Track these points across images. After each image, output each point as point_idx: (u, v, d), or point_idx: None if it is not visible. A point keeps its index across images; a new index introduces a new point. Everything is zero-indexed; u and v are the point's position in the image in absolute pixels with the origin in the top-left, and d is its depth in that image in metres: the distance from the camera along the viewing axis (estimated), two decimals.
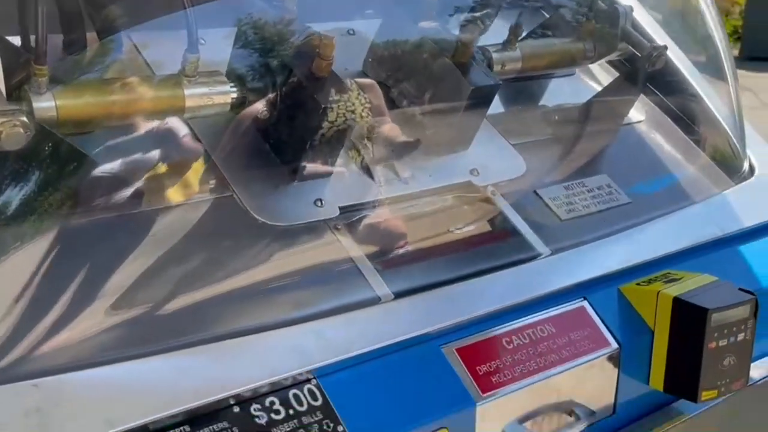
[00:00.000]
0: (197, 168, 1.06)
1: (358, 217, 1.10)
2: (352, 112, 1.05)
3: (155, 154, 1.03)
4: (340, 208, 1.08)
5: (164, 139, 1.03)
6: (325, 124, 1.02)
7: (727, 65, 1.45)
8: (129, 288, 0.87)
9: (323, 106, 1.03)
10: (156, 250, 0.93)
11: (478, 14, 1.28)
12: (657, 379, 1.12)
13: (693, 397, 1.08)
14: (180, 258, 0.94)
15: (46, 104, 0.91)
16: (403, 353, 0.95)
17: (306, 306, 0.95)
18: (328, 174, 1.10)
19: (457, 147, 1.25)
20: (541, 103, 1.50)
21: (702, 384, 1.07)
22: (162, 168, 1.01)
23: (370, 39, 1.28)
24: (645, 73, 1.43)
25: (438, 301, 1.02)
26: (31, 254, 0.84)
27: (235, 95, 1.04)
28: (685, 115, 1.47)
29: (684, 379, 1.09)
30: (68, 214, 0.89)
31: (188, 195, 1.03)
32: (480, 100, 1.23)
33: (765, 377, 1.20)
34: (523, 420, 1.02)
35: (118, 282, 0.86)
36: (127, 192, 0.97)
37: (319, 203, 1.08)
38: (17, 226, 0.85)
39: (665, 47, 1.41)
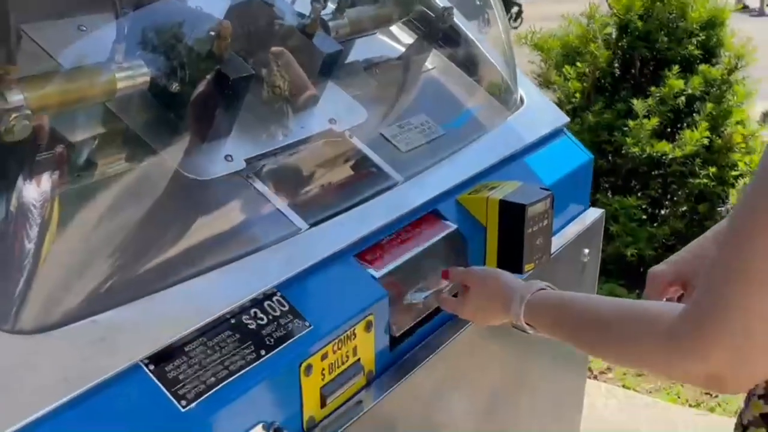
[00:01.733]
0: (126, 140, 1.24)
1: (261, 166, 1.35)
2: (278, 87, 1.30)
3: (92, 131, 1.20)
4: (246, 161, 1.33)
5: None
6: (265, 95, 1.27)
7: (499, 17, 1.85)
8: (128, 241, 1.07)
9: (231, 78, 1.26)
10: (129, 207, 1.13)
11: None
12: (491, 261, 1.51)
13: (519, 270, 1.48)
14: (147, 213, 1.14)
15: (17, 97, 1.05)
16: (330, 265, 1.24)
17: (253, 241, 1.20)
18: (229, 133, 1.33)
19: (312, 102, 1.53)
20: (356, 59, 1.80)
21: (525, 260, 1.48)
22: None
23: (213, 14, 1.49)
24: (438, 30, 1.80)
25: (341, 224, 1.32)
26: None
27: (151, 76, 1.24)
28: (468, 62, 1.86)
29: (511, 259, 1.49)
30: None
31: (128, 163, 1.22)
32: (329, 63, 1.51)
33: (557, 250, 1.64)
34: (416, 288, 1.36)
35: (121, 237, 1.06)
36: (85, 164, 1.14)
37: (229, 158, 1.31)
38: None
39: (452, 7, 1.78)
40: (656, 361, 0.93)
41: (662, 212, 3.74)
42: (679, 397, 2.94)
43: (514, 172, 1.65)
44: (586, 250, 1.83)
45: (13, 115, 0.97)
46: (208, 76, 1.27)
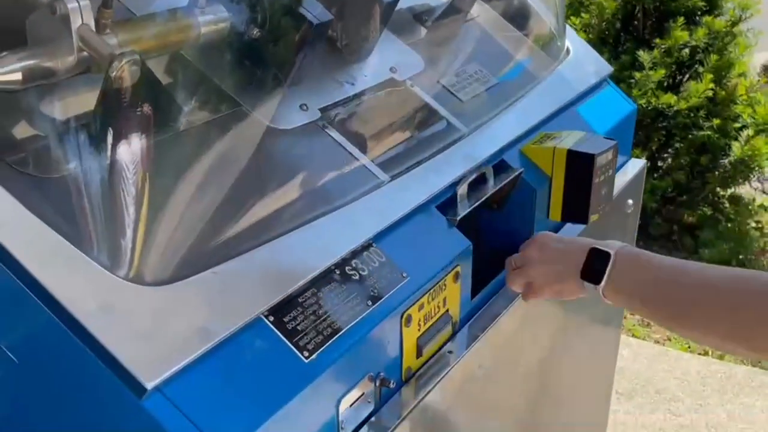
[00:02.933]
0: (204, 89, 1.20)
1: (334, 116, 1.32)
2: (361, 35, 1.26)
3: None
4: (320, 110, 1.30)
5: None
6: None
7: None
8: (230, 193, 1.04)
9: (313, 23, 1.22)
10: (222, 159, 1.10)
11: None
12: (555, 213, 1.51)
13: (585, 220, 1.48)
14: (241, 164, 1.11)
15: (112, 41, 1.01)
16: (415, 217, 1.22)
17: (343, 193, 1.18)
18: (302, 81, 1.30)
19: (369, 51, 1.49)
20: (402, 7, 1.76)
21: (591, 210, 1.47)
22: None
23: None
24: None
25: (419, 176, 1.30)
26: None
27: (230, 21, 1.20)
28: (515, 12, 1.83)
29: (577, 209, 1.48)
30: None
31: (209, 113, 1.18)
32: (388, 12, 1.48)
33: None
34: None
35: (223, 189, 1.03)
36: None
37: (304, 107, 1.28)
38: None
39: None
40: None
41: (662, 165, 3.77)
42: (689, 347, 2.99)
43: (567, 122, 1.64)
44: (630, 201, 1.83)
45: (125, 60, 0.93)
46: (288, 22, 1.24)
